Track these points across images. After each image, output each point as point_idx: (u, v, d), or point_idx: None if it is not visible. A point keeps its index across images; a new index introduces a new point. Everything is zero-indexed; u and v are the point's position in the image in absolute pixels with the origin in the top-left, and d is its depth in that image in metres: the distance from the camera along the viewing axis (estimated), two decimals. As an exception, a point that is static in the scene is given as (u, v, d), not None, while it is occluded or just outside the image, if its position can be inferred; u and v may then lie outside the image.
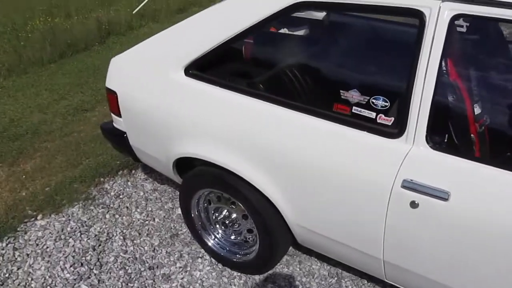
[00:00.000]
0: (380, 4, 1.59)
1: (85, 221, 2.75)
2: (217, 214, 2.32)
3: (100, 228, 2.69)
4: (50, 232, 2.67)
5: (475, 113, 1.80)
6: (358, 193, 1.67)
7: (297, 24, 2.67)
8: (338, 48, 2.15)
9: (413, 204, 1.55)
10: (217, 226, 2.35)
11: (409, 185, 1.55)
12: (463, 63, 1.77)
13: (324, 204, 1.78)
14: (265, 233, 2.06)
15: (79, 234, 2.64)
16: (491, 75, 1.99)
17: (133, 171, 3.22)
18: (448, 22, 1.48)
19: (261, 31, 2.12)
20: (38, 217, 2.80)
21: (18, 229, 2.71)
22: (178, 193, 2.88)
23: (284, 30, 2.64)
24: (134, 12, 7.16)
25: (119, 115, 2.38)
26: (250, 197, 1.99)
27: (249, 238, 2.24)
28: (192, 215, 2.34)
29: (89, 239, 2.60)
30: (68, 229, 2.69)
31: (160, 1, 7.75)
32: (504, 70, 2.11)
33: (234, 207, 2.19)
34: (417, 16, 1.51)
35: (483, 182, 1.50)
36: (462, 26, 1.92)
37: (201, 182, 2.19)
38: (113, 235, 2.63)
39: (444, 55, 1.53)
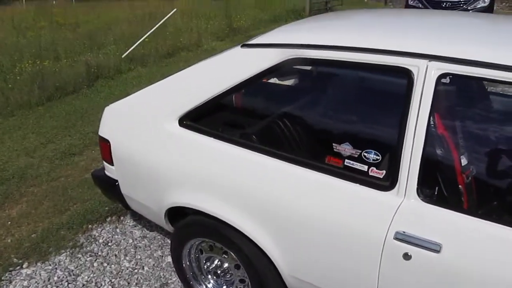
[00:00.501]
0: (370, 62, 1.66)
1: (73, 270, 2.70)
2: (208, 264, 2.30)
3: (88, 277, 2.64)
4: (36, 282, 2.61)
5: (462, 164, 1.86)
6: (351, 244, 1.69)
7: (286, 74, 2.76)
8: (331, 101, 2.22)
9: (406, 256, 1.58)
10: (209, 276, 2.33)
11: (401, 237, 1.57)
12: (449, 116, 1.85)
13: (317, 255, 1.79)
14: (257, 283, 2.05)
15: (66, 283, 2.59)
16: (475, 126, 2.07)
17: (122, 218, 3.20)
18: (435, 81, 1.55)
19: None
20: (24, 266, 2.75)
21: (3, 278, 2.65)
22: (168, 240, 2.87)
23: (273, 80, 2.72)
24: (123, 56, 7.27)
25: (111, 163, 2.39)
26: (243, 247, 1.99)
27: (241, 288, 2.22)
28: (184, 264, 2.32)
29: (76, 289, 2.55)
30: (55, 278, 2.63)
31: (149, 46, 7.89)
32: (487, 121, 2.19)
33: (226, 256, 2.18)
34: (406, 74, 1.59)
35: (472, 234, 1.53)
36: (446, 78, 2.01)
37: (193, 232, 2.19)
38: (101, 285, 2.58)
39: (432, 110, 1.60)
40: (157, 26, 8.04)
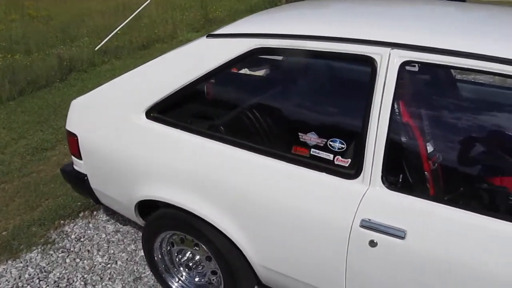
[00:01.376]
0: (334, 50, 1.67)
1: (44, 267, 2.66)
2: (180, 256, 2.29)
3: (60, 274, 2.60)
4: (6, 280, 2.56)
5: (428, 151, 1.88)
6: (318, 233, 1.69)
7: (257, 64, 2.74)
8: (297, 91, 2.21)
9: (372, 243, 1.59)
10: (181, 268, 2.32)
11: (367, 225, 1.59)
12: (414, 104, 1.86)
13: (286, 244, 1.80)
14: (228, 275, 2.05)
15: (37, 281, 2.55)
16: (441, 114, 2.09)
17: (95, 213, 3.16)
18: (398, 68, 1.56)
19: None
20: (-6, 264, 2.70)
21: (-28, 277, 2.59)
22: (141, 234, 2.84)
23: (244, 70, 2.70)
24: (96, 49, 7.14)
25: (79, 157, 2.35)
26: (213, 239, 1.98)
27: (213, 280, 2.22)
28: (155, 258, 2.31)
29: (48, 286, 2.51)
30: (26, 276, 2.59)
31: (122, 38, 7.76)
32: (453, 108, 2.22)
33: (197, 248, 2.18)
34: (369, 63, 1.59)
35: (437, 220, 1.55)
36: (414, 66, 2.02)
37: (164, 225, 2.17)
38: (73, 281, 2.55)
39: (396, 98, 1.61)
40: (130, 18, 7.91)
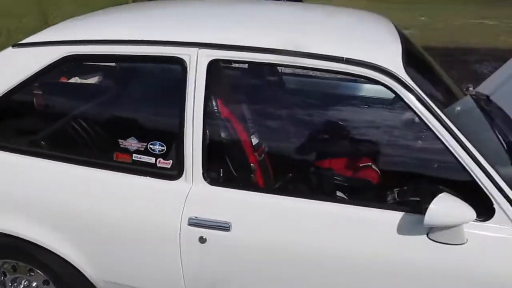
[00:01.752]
0: (146, 54, 1.67)
1: None
2: (16, 285, 2.11)
3: None
4: None
5: (253, 144, 1.97)
6: (150, 238, 1.69)
7: (90, 71, 2.63)
8: (115, 97, 2.17)
9: (202, 239, 1.63)
10: (19, 298, 2.14)
11: (194, 222, 1.62)
12: (233, 101, 1.94)
13: (120, 254, 1.76)
14: (70, 295, 1.95)
15: None
16: (264, 107, 2.20)
17: None
18: (207, 67, 1.61)
19: (47, 82, 2.06)
20: None
21: None
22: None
23: (75, 79, 2.57)
24: None
25: None
26: (46, 261, 1.86)
27: (56, 304, 2.08)
28: (-14, 292, 2.10)
29: None
30: None
31: None
32: (275, 100, 2.35)
33: (33, 274, 2.02)
34: (179, 63, 1.62)
35: (261, 208, 1.64)
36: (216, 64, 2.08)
37: (-11, 255, 1.98)
38: None
39: (210, 97, 1.67)
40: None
